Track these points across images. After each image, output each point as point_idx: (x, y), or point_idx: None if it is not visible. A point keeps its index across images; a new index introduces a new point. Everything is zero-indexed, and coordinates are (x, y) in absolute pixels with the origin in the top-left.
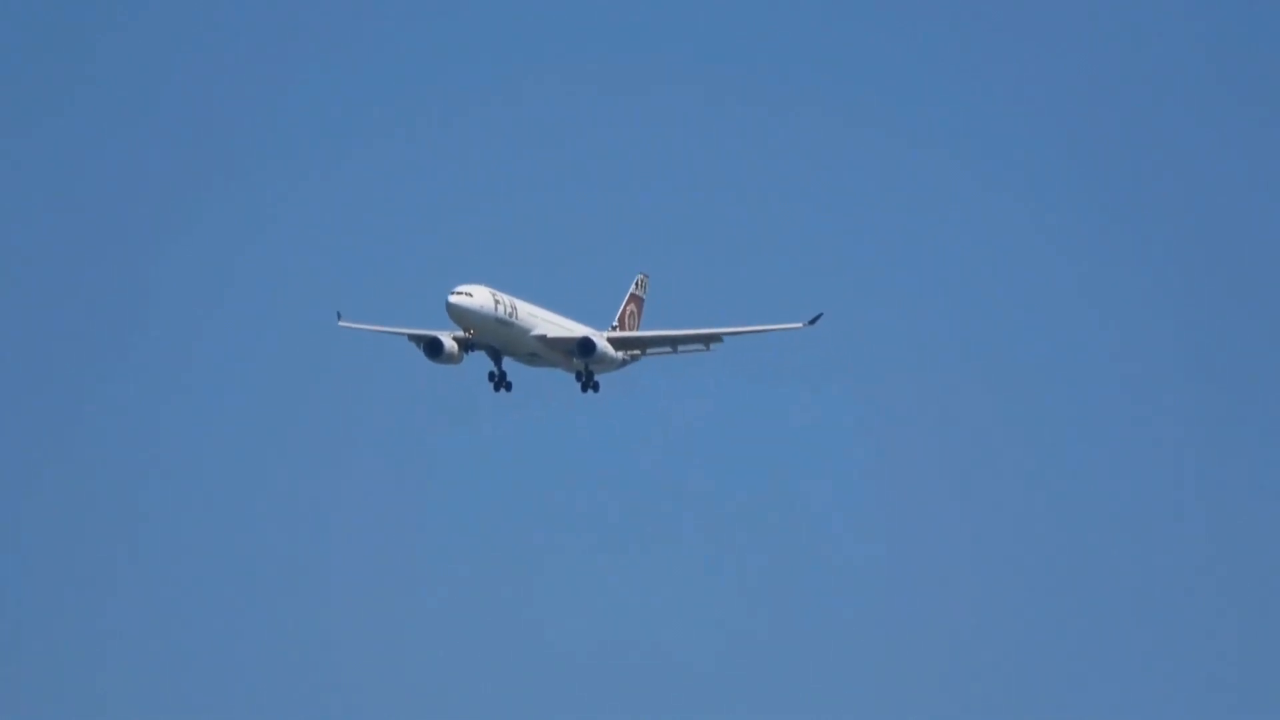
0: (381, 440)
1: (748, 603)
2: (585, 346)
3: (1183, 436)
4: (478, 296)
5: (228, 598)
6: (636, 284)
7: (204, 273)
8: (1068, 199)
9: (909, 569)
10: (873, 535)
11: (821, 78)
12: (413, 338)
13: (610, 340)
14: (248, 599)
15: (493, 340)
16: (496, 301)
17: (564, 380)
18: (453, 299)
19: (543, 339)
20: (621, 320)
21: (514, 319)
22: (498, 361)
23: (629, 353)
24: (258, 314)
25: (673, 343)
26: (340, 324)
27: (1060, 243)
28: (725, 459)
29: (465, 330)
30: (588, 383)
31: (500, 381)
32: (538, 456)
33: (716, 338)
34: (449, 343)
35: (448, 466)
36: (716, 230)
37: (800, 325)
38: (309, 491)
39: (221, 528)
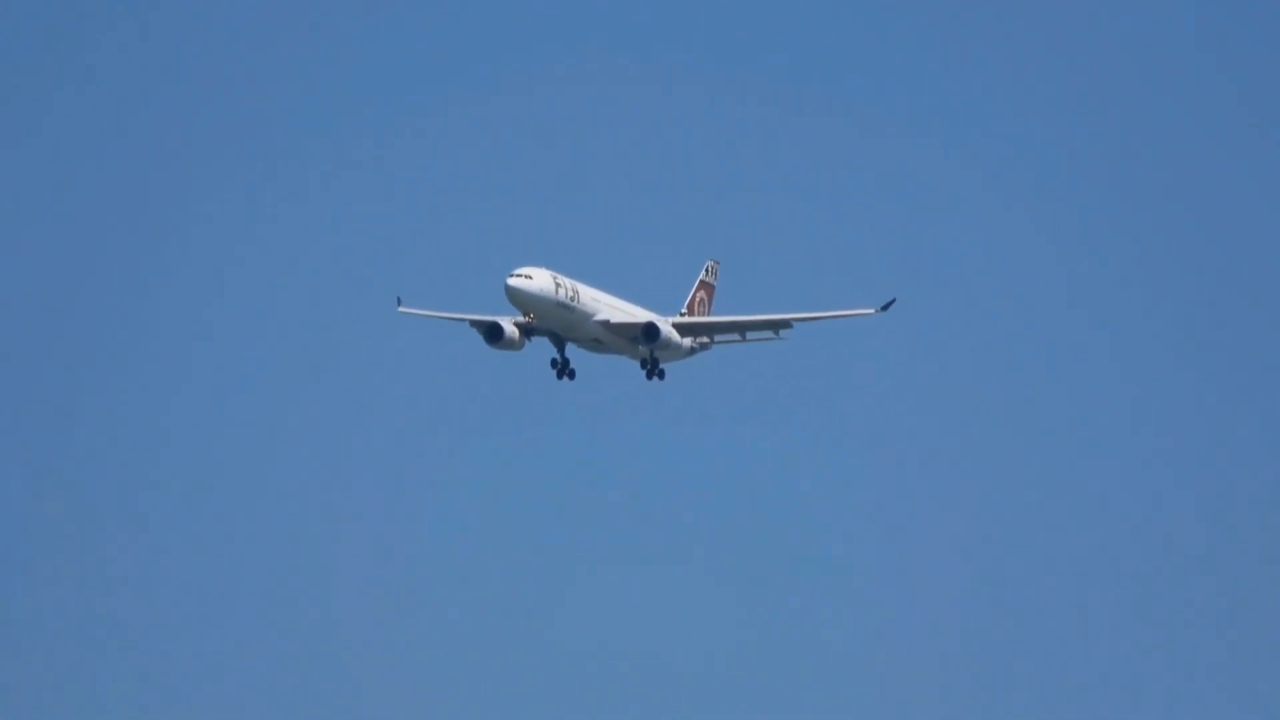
0: (441, 428)
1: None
2: (649, 332)
3: (1197, 437)
4: (538, 279)
5: (288, 586)
6: (707, 270)
7: (265, 259)
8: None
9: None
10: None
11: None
12: (474, 323)
13: (675, 325)
14: (305, 584)
15: (554, 325)
16: (558, 285)
17: (629, 368)
18: (511, 281)
19: (605, 324)
20: (691, 307)
21: (575, 303)
22: (560, 348)
23: (697, 340)
24: (319, 300)
25: (740, 329)
26: (400, 310)
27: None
28: (783, 454)
29: (525, 314)
30: (653, 370)
31: (563, 369)
32: (597, 447)
33: (786, 324)
34: (509, 328)
35: (506, 456)
36: (792, 219)
37: (873, 311)
38: (367, 480)
39: (283, 515)
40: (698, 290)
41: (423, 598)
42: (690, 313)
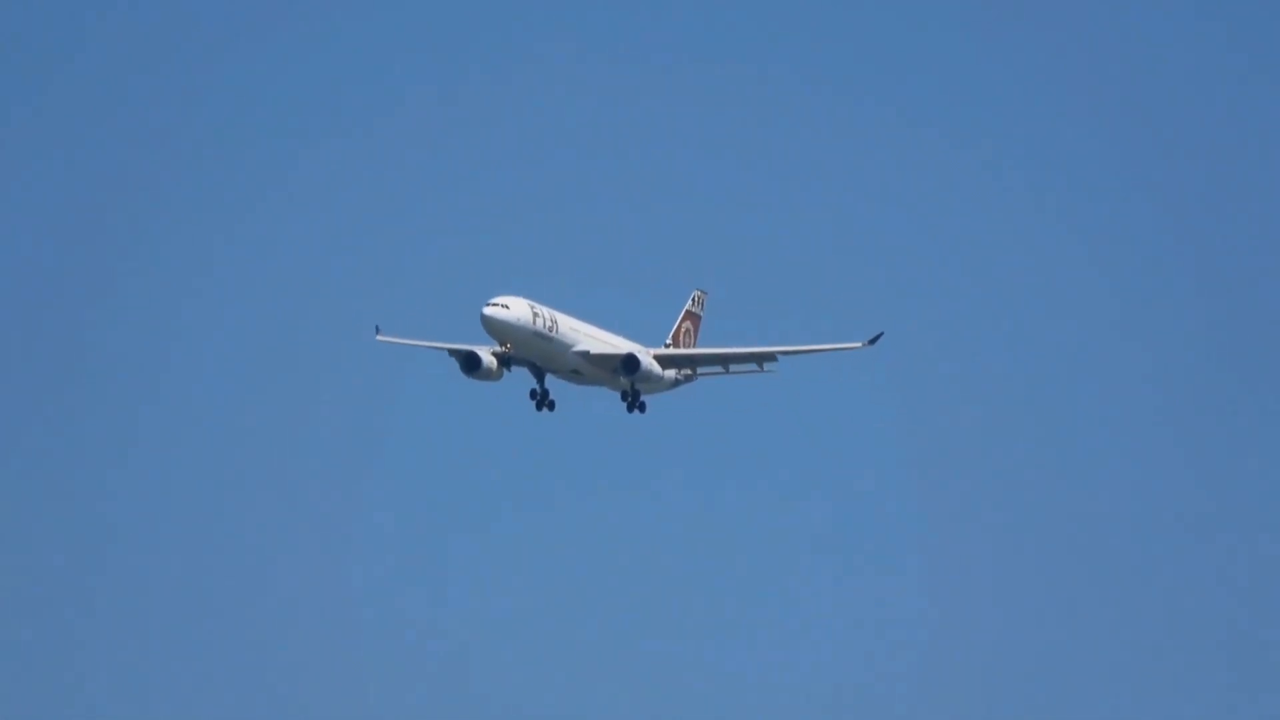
0: (414, 458)
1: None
2: (629, 363)
3: (1208, 458)
4: (515, 309)
5: (251, 612)
6: (693, 300)
7: (238, 287)
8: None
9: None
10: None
11: (884, 85)
12: (451, 352)
13: (657, 357)
14: (273, 612)
15: (532, 356)
16: (535, 314)
17: (611, 400)
18: (488, 311)
19: (585, 355)
20: (676, 338)
21: (554, 333)
22: (540, 379)
23: (681, 373)
24: (295, 329)
25: (724, 361)
26: (378, 338)
27: (1125, 265)
28: (768, 489)
29: (502, 344)
30: (634, 403)
31: (543, 400)
32: (574, 479)
33: (771, 357)
34: (487, 358)
35: (481, 486)
36: (780, 250)
37: (860, 345)
38: (341, 507)
39: (254, 543)
40: (683, 321)
41: (388, 628)
42: (675, 344)
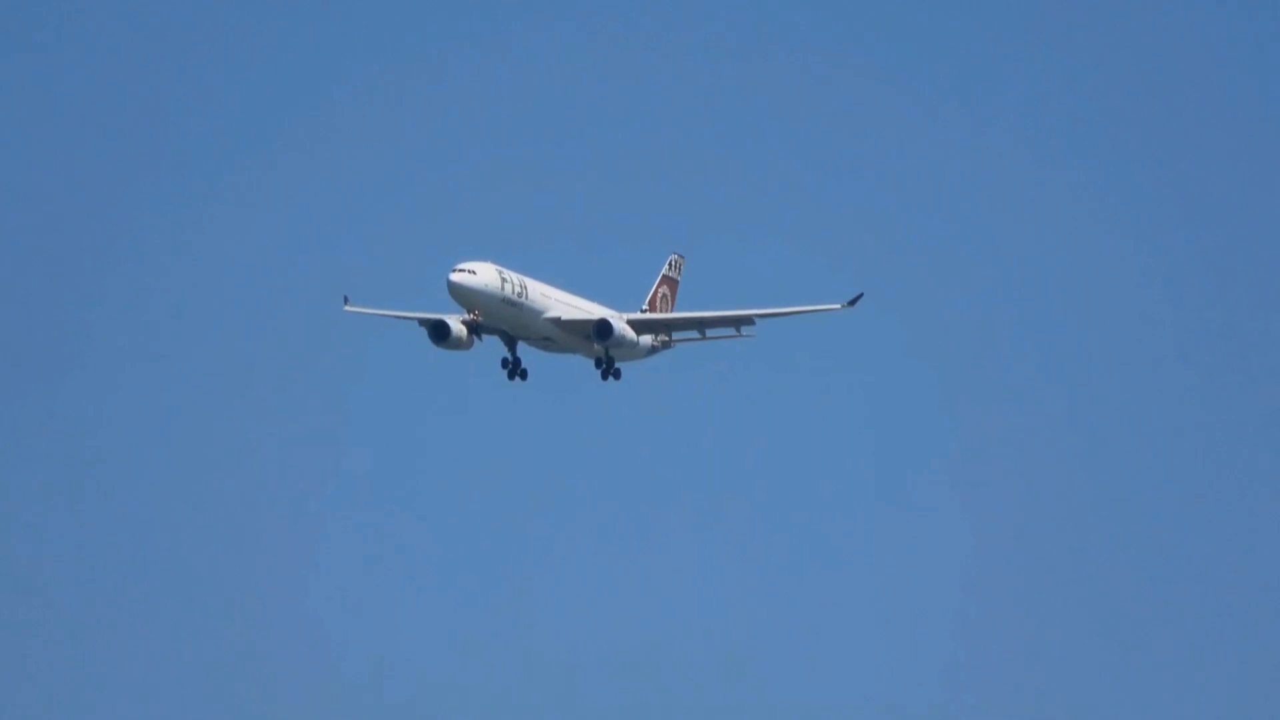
0: (385, 430)
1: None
2: (602, 329)
3: (1196, 439)
4: (482, 274)
5: (227, 590)
6: (670, 265)
7: (206, 257)
8: (1114, 183)
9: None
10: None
11: (859, 49)
12: (421, 322)
13: (630, 322)
14: (247, 590)
15: (502, 323)
16: (504, 280)
17: (585, 367)
18: (454, 277)
19: (556, 321)
20: (652, 304)
21: (523, 299)
22: (512, 347)
23: (658, 339)
24: (264, 299)
25: (699, 325)
26: (346, 308)
27: (1104, 223)
28: (745, 455)
29: (470, 312)
30: (608, 370)
31: (515, 369)
32: (546, 448)
33: (748, 320)
34: (456, 326)
35: (452, 458)
36: (757, 213)
37: (839, 306)
38: (311, 483)
39: (224, 518)
40: (659, 286)
41: (360, 598)
42: (652, 310)
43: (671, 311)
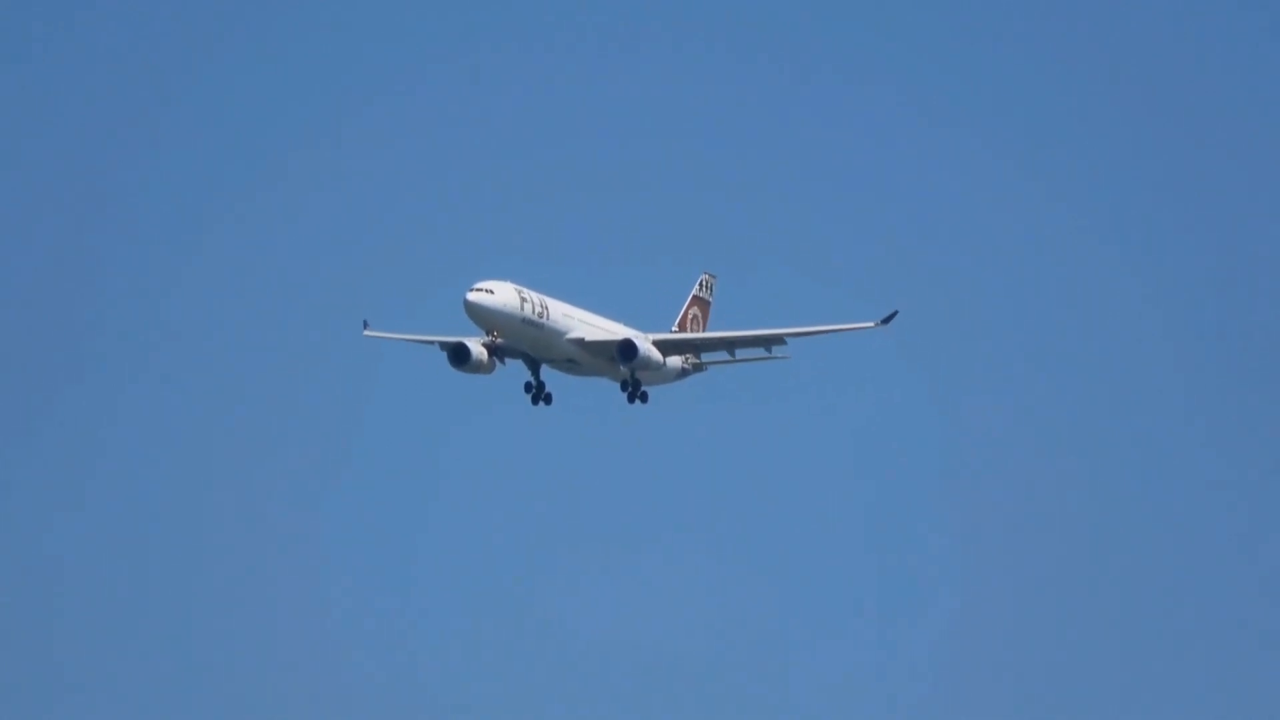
0: (405, 457)
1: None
2: (626, 350)
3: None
4: (500, 294)
5: (236, 611)
6: (700, 285)
7: (225, 282)
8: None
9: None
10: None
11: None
12: (442, 345)
13: (656, 343)
14: (257, 612)
15: (524, 345)
16: (523, 300)
17: (612, 391)
18: (471, 296)
19: (580, 342)
20: (682, 324)
21: (545, 320)
22: (535, 370)
23: (688, 361)
24: (283, 323)
25: (728, 346)
26: (366, 333)
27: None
28: (773, 481)
29: (489, 333)
30: (634, 393)
31: (539, 393)
32: (570, 474)
33: (779, 340)
34: (476, 349)
35: (473, 485)
36: (791, 233)
37: (873, 325)
38: (329, 513)
39: (241, 541)
40: (690, 306)
41: (378, 625)
42: (681, 331)
43: (704, 332)
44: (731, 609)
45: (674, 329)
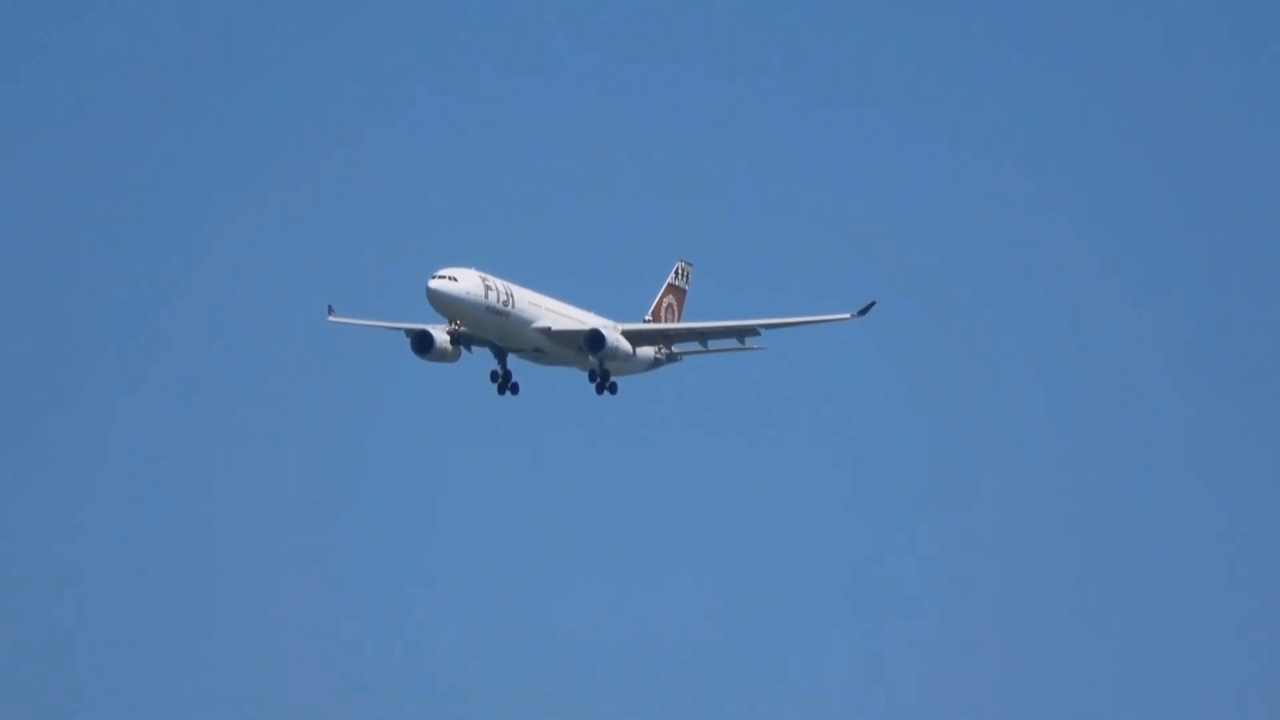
0: (367, 447)
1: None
2: (594, 340)
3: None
4: (464, 281)
5: (217, 603)
6: (676, 273)
7: (190, 268)
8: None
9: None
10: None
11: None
12: (407, 333)
13: (625, 333)
14: (238, 604)
15: (489, 334)
16: (488, 287)
17: (580, 381)
18: (433, 284)
19: (546, 331)
20: (656, 314)
21: (510, 308)
22: (501, 359)
23: (661, 351)
24: (247, 309)
25: (700, 336)
26: (330, 319)
27: (1104, 239)
28: (740, 474)
29: (452, 321)
30: (603, 384)
31: (505, 382)
32: (535, 466)
33: (753, 331)
34: (440, 337)
35: (435, 477)
36: (766, 223)
37: (849, 316)
38: (291, 502)
39: (208, 533)
40: (665, 294)
41: (341, 619)
42: (656, 320)
43: (676, 322)
44: (703, 607)
45: (648, 318)
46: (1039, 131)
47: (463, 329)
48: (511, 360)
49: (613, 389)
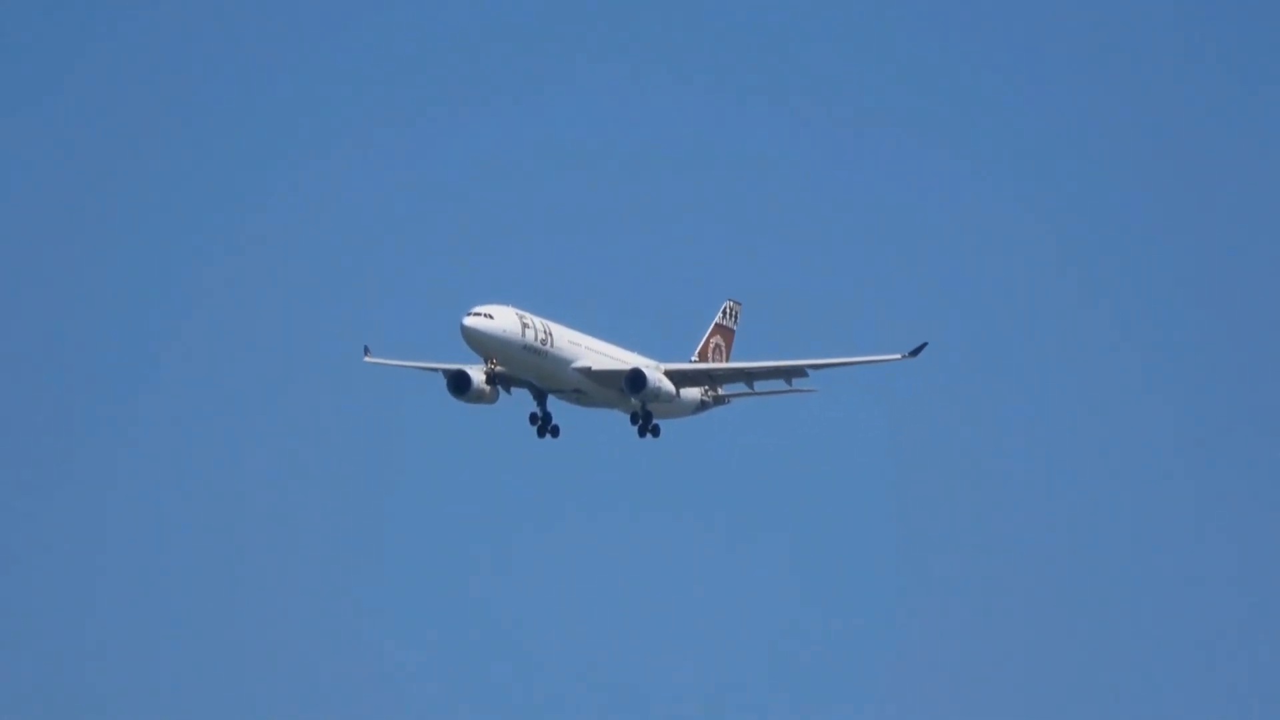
0: (404, 490)
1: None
2: (635, 380)
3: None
4: (500, 319)
5: (236, 642)
6: (724, 312)
7: (226, 306)
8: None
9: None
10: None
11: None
12: (444, 373)
13: (668, 373)
14: (269, 647)
15: (527, 374)
16: (525, 325)
17: (622, 423)
18: (468, 321)
19: (586, 371)
20: (703, 354)
21: (548, 347)
22: (540, 400)
23: (707, 393)
24: (282, 349)
25: (746, 377)
26: (366, 360)
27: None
28: (787, 519)
29: (488, 361)
30: (645, 426)
31: (545, 425)
32: (579, 512)
33: (800, 371)
34: (477, 377)
35: (473, 519)
36: (818, 262)
37: (900, 357)
38: (324, 545)
39: (242, 576)
40: (712, 335)
41: (377, 662)
42: (703, 360)
43: (720, 363)
44: (749, 658)
45: (694, 358)
46: (1089, 174)
47: (500, 369)
48: (551, 402)
49: (655, 431)
